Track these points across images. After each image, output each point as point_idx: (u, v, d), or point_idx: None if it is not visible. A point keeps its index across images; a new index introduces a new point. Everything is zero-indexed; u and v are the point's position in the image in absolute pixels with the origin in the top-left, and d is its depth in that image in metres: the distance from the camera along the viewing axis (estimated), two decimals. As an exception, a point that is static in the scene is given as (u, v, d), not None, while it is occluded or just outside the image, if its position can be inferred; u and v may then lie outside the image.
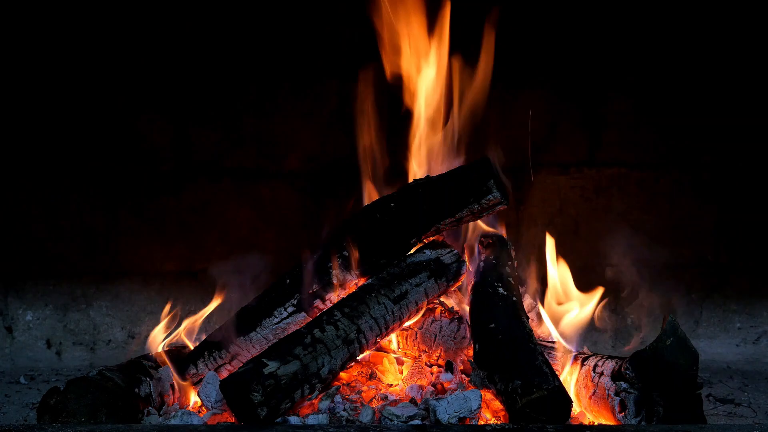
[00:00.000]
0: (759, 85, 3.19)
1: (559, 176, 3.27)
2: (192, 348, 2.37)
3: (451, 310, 2.38)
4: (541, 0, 3.14)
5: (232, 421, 1.99)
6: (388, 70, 2.56)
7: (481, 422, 1.97)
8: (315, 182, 3.23)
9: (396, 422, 1.94)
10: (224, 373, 2.19)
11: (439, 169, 2.46)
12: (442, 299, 2.40)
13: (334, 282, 2.28)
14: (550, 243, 2.52)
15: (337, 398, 2.07)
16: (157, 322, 2.47)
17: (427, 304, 2.29)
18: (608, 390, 1.99)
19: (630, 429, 1.89)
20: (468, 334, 2.28)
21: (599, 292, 2.38)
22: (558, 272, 2.47)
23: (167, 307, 2.54)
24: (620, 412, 1.94)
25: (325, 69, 3.18)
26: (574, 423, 2.03)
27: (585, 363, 2.14)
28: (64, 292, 3.24)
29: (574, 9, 3.15)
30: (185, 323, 2.47)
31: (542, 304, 2.48)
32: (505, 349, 2.03)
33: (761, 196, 3.25)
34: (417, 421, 1.95)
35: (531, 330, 2.13)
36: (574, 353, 2.21)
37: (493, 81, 2.54)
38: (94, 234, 3.21)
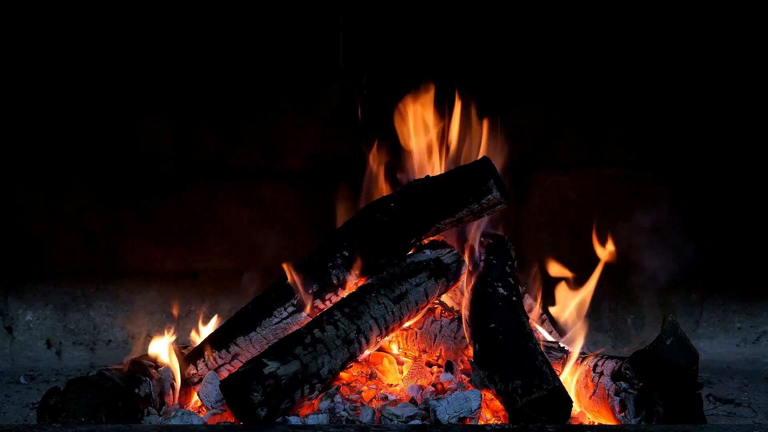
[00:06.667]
0: (761, 86, 3.19)
1: (560, 176, 3.27)
2: (192, 348, 2.37)
3: (451, 310, 2.38)
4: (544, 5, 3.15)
5: (232, 421, 1.99)
6: None
7: (481, 422, 1.97)
8: (315, 182, 3.22)
9: (396, 422, 1.94)
10: (224, 373, 2.19)
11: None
12: (442, 299, 2.40)
13: (334, 282, 2.28)
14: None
15: (337, 398, 2.06)
16: (157, 322, 2.46)
17: (427, 304, 2.29)
18: (608, 390, 1.98)
19: (630, 429, 1.88)
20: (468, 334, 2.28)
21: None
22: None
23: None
24: (620, 412, 1.94)
25: (325, 69, 3.18)
26: (574, 423, 2.03)
27: (585, 363, 2.13)
28: (64, 292, 3.24)
29: (577, 13, 3.15)
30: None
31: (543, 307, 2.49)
32: (505, 349, 2.03)
33: (762, 197, 3.25)
34: (417, 421, 1.94)
35: (531, 330, 2.13)
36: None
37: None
38: (94, 234, 3.21)
